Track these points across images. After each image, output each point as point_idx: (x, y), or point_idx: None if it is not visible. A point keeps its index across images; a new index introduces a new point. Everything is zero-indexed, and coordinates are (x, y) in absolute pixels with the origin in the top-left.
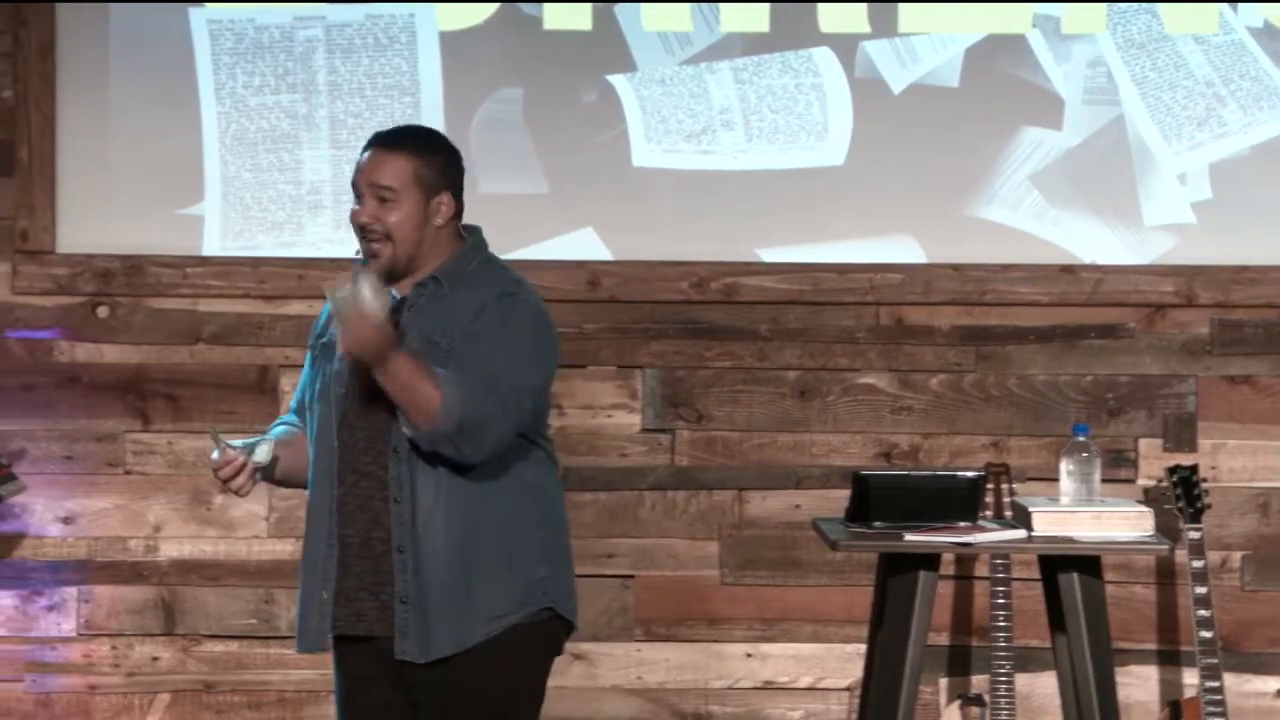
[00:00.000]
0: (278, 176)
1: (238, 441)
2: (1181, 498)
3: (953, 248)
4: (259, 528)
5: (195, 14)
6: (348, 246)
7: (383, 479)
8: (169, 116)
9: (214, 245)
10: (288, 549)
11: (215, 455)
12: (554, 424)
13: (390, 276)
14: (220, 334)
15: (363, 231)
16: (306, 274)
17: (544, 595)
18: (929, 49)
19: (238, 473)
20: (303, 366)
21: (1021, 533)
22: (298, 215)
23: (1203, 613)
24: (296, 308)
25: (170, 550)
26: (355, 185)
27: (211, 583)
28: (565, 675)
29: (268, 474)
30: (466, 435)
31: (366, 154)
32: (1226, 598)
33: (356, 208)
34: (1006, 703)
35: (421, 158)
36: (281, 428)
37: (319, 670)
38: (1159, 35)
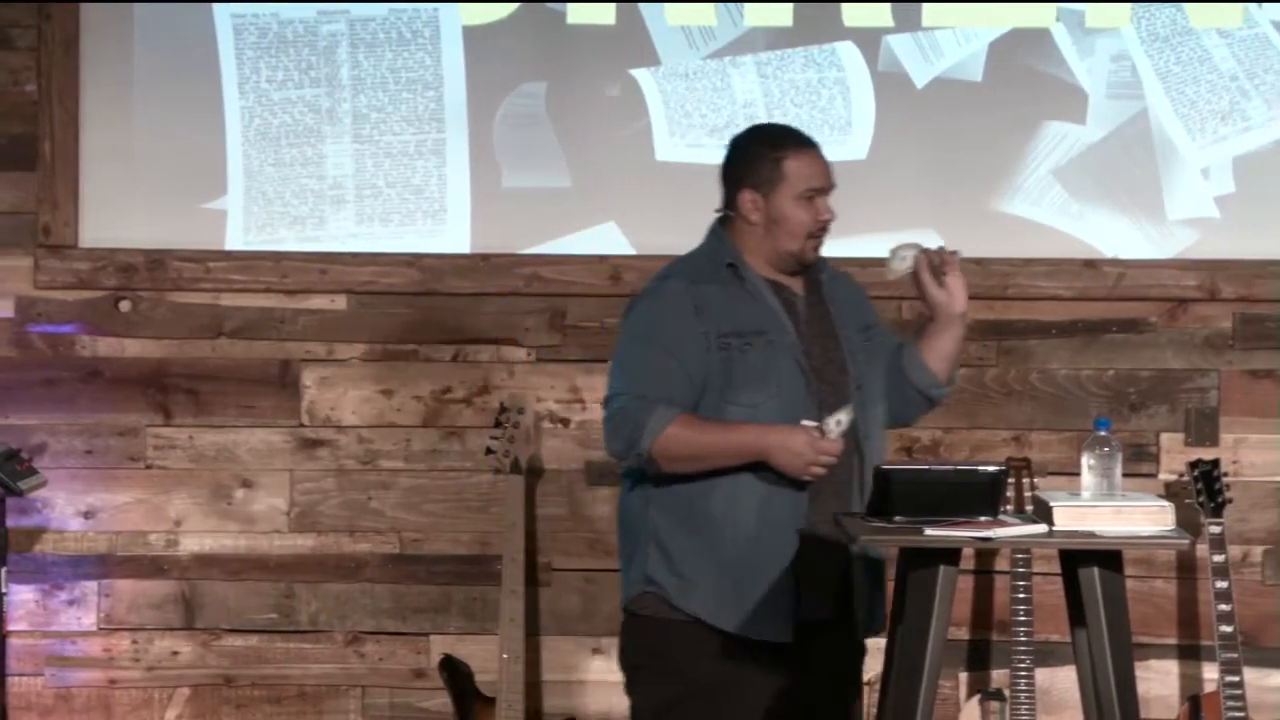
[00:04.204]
0: (300, 171)
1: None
2: (1203, 492)
3: (975, 242)
4: (279, 522)
5: (219, 9)
6: (369, 241)
7: (849, 465)
8: (192, 111)
9: (236, 239)
10: (308, 543)
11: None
12: (579, 418)
13: (790, 269)
14: (242, 328)
15: (822, 230)
16: (329, 268)
17: None
18: (952, 43)
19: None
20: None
21: (1042, 527)
22: (320, 209)
23: (1223, 607)
24: (318, 302)
25: (191, 544)
26: (821, 189)
27: (232, 577)
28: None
29: None
30: None
31: (814, 151)
32: (1247, 592)
33: (824, 205)
34: (1026, 697)
35: None
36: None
37: (339, 664)
38: (1183, 29)
